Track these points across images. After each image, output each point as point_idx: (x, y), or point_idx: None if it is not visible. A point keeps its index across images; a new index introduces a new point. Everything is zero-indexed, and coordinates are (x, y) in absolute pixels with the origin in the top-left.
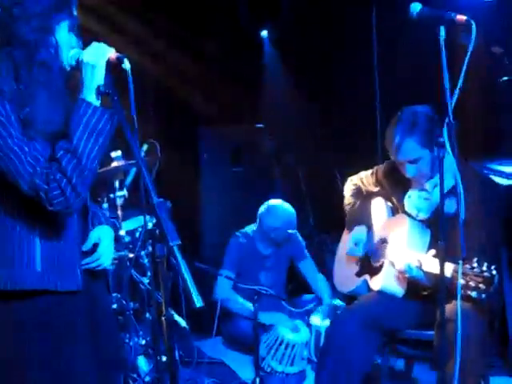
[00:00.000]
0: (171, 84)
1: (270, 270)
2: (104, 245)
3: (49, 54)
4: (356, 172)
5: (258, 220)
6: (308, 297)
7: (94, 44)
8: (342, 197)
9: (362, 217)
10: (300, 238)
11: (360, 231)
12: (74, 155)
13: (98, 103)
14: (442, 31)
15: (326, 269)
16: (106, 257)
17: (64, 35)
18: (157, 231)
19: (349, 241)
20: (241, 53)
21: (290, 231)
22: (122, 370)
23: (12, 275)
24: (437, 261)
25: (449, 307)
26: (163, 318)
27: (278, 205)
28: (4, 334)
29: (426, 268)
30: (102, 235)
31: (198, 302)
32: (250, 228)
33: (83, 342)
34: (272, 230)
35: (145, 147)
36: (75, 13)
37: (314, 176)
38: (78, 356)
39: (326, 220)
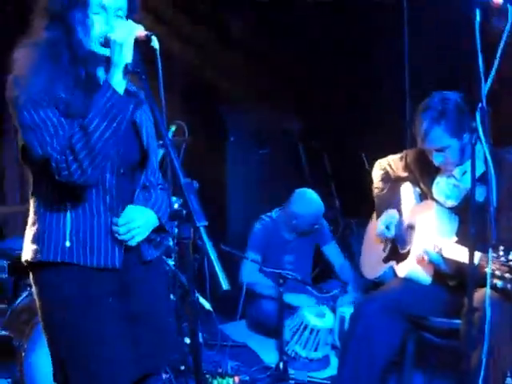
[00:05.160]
0: (199, 66)
1: (295, 255)
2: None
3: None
4: (383, 156)
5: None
6: (333, 282)
7: (123, 22)
8: (369, 181)
9: (391, 202)
10: (325, 222)
11: (391, 213)
12: (85, 133)
13: (124, 82)
14: (478, 14)
15: (352, 253)
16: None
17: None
18: (183, 212)
19: (379, 223)
20: (269, 36)
21: (316, 226)
22: (166, 356)
23: (42, 249)
24: (458, 247)
25: (476, 295)
26: (189, 301)
27: (308, 194)
28: (43, 299)
29: (446, 254)
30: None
31: (225, 285)
32: (276, 211)
33: (110, 321)
34: (294, 216)
35: (172, 128)
36: None
37: (340, 159)
38: (104, 336)
39: (352, 204)
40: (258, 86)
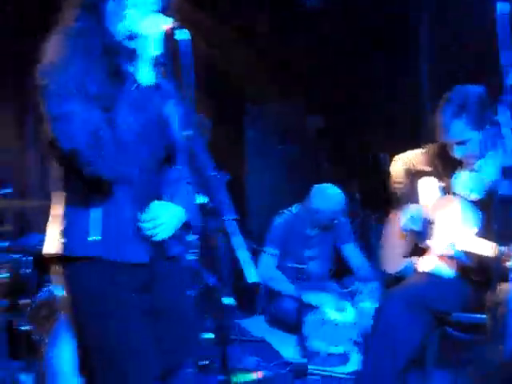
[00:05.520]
0: (220, 61)
1: (316, 250)
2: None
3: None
4: (400, 152)
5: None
6: (354, 278)
7: (151, 15)
8: (387, 176)
9: (413, 196)
10: (346, 220)
11: (416, 207)
12: (111, 126)
13: (151, 75)
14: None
15: (370, 246)
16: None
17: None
18: (211, 205)
19: (404, 216)
20: (290, 32)
21: (335, 221)
22: (190, 351)
23: (67, 244)
24: (480, 241)
25: (499, 290)
26: (214, 297)
27: (328, 188)
28: (70, 293)
29: (468, 248)
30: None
31: (253, 278)
32: (296, 206)
33: (136, 319)
34: (314, 211)
35: None
36: None
37: (359, 153)
38: (131, 331)
39: (371, 198)
40: (279, 81)
